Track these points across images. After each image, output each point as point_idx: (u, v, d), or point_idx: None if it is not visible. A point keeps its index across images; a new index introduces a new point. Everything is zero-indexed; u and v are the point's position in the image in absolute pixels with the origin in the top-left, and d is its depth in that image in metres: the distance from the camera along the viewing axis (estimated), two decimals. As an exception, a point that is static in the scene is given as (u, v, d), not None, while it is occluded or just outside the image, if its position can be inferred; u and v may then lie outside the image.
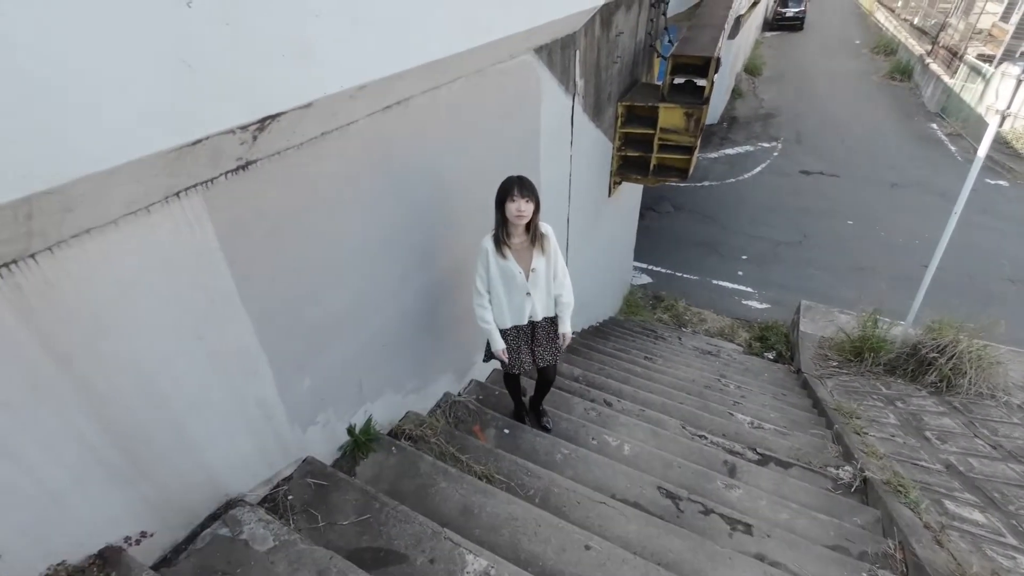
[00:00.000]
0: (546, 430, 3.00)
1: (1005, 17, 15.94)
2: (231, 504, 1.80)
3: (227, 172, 1.49)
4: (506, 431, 2.87)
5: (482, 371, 3.58)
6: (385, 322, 2.43)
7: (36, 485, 1.29)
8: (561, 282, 2.50)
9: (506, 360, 2.54)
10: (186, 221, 1.43)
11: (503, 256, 2.32)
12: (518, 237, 2.34)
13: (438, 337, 2.94)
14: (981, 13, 14.91)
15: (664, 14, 5.67)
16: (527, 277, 2.37)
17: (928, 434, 3.99)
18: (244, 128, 1.32)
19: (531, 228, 2.32)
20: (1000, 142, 11.86)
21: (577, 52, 3.72)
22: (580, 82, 3.92)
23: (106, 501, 1.45)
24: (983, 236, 8.99)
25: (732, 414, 4.03)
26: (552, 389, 3.55)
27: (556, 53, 3.39)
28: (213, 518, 1.77)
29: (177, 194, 1.38)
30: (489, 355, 2.66)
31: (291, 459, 2.10)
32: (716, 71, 4.70)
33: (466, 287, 3.00)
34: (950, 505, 2.88)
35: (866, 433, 3.92)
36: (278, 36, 1.28)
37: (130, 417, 1.45)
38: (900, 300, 5.95)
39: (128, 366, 1.41)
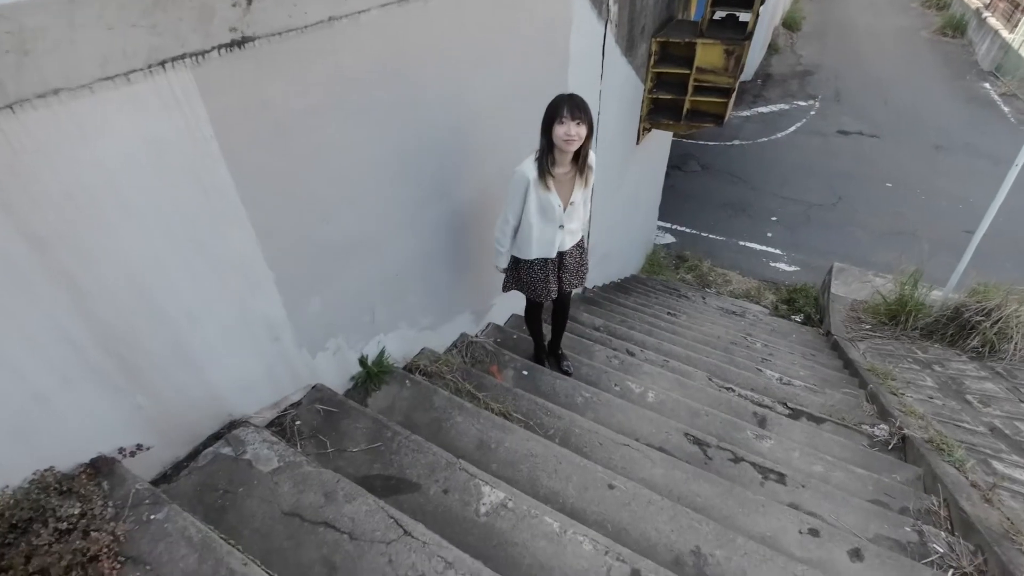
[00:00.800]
0: (567, 373, 2.86)
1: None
2: (235, 424, 1.70)
3: (221, 46, 1.30)
4: (524, 372, 2.74)
5: (501, 314, 3.44)
6: (399, 251, 2.28)
7: (17, 382, 1.18)
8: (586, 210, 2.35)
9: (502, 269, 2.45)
10: (175, 100, 1.26)
11: (545, 186, 2.09)
12: (563, 166, 2.10)
13: (456, 274, 2.78)
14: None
15: (706, -58, 5.20)
16: (564, 209, 2.17)
17: (969, 397, 3.77)
18: (235, -20, 1.13)
19: (580, 156, 2.08)
20: (1060, 102, 11.01)
21: (612, -29, 3.39)
22: (614, 7, 3.60)
23: (97, 407, 1.35)
24: (1036, 201, 8.42)
25: (760, 370, 3.84)
26: (573, 336, 3.41)
27: (590, -32, 3.08)
28: (216, 437, 1.67)
29: (163, 64, 1.21)
30: (516, 284, 2.50)
31: (300, 384, 1.99)
32: (763, 2, 4.31)
33: (487, 222, 2.82)
34: (998, 466, 2.70)
35: (903, 394, 3.71)
36: None
37: (119, 318, 1.32)
38: (940, 266, 5.61)
39: (113, 260, 1.27)
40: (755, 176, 9.91)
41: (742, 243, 8.32)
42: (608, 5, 3.51)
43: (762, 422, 2.85)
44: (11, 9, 0.82)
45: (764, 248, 8.16)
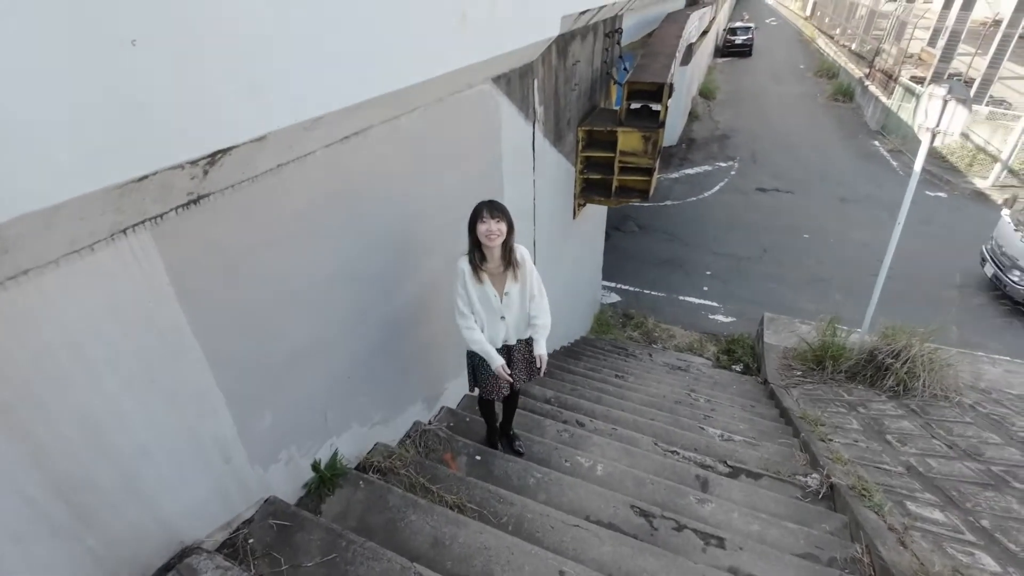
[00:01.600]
0: (519, 454, 2.98)
1: (932, 42, 17.25)
2: (186, 552, 1.71)
3: (178, 207, 1.46)
4: (478, 457, 2.84)
5: (454, 396, 3.54)
6: (349, 354, 2.40)
7: (-34, 545, 1.20)
8: (538, 303, 2.49)
9: (507, 377, 2.46)
10: (133, 257, 1.40)
11: (479, 280, 2.33)
12: (493, 261, 2.34)
13: (405, 366, 2.90)
14: (911, 39, 16.07)
15: (619, 43, 5.92)
16: (501, 300, 2.38)
17: (889, 437, 4.13)
18: (194, 163, 1.31)
19: (506, 251, 2.33)
20: (936, 157, 12.65)
21: (535, 80, 3.83)
22: (540, 109, 4.03)
23: (49, 558, 1.36)
24: (927, 245, 9.50)
25: (703, 428, 4.08)
26: (524, 412, 3.55)
27: (515, 81, 3.48)
28: (167, 568, 1.68)
29: (124, 231, 1.35)
30: (475, 381, 2.64)
31: (252, 500, 2.01)
32: (670, 96, 4.91)
33: (432, 314, 2.99)
34: (912, 506, 2.97)
35: (831, 440, 4.02)
36: (227, 71, 1.28)
37: (75, 467, 1.37)
38: (855, 309, 6.22)
39: (72, 413, 1.34)
40: (688, 233, 10.69)
41: (682, 297, 8.84)
42: (534, 108, 3.93)
43: (704, 485, 3.04)
44: (1, 225, 0.96)
45: (702, 301, 8.71)
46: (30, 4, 0.90)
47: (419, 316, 2.90)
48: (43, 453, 1.29)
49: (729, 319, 8.25)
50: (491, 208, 2.24)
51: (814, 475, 3.43)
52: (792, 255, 9.82)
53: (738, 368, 6.83)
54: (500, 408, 3.03)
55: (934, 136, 4.68)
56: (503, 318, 2.43)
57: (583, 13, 3.97)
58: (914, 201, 5.21)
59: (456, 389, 3.55)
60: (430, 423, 3.15)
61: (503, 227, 2.25)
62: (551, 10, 3.31)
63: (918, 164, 4.99)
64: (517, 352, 2.57)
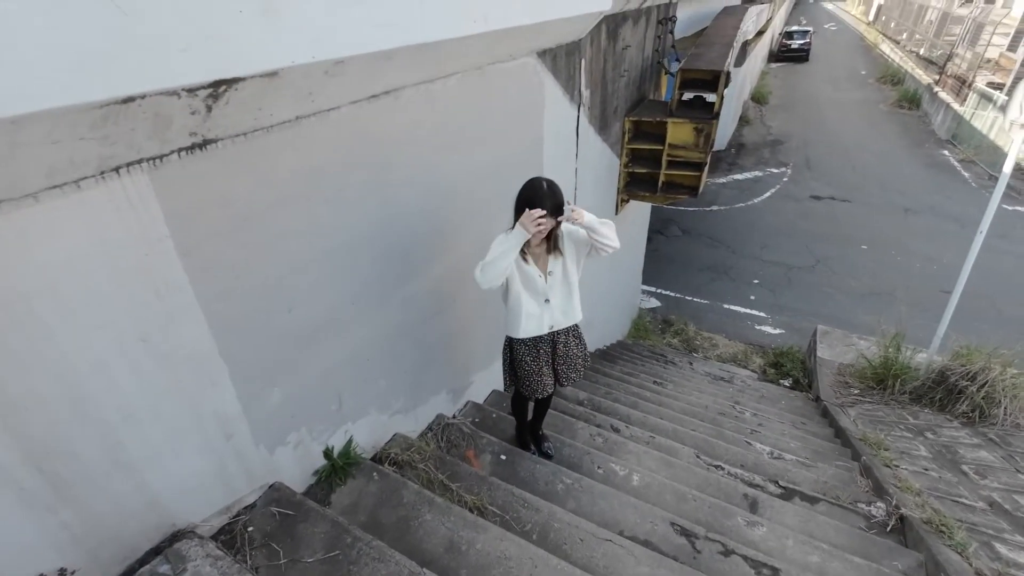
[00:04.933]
0: (547, 457, 2.74)
1: (1012, 47, 15.98)
2: (178, 536, 1.56)
3: (180, 149, 1.31)
4: (503, 457, 2.61)
5: (481, 391, 3.34)
6: (369, 334, 2.22)
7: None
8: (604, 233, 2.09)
9: (540, 218, 1.90)
10: (128, 202, 1.25)
11: (524, 260, 2.13)
12: (535, 240, 2.11)
13: (431, 353, 2.71)
14: (988, 44, 14.91)
15: (671, 32, 5.61)
16: (546, 280, 2.17)
17: (965, 468, 3.66)
18: (192, 92, 1.15)
19: (551, 238, 2.12)
20: (1018, 168, 11.64)
21: (583, 60, 3.59)
22: (586, 92, 3.79)
23: (16, 530, 1.22)
24: (1004, 262, 8.69)
25: (750, 443, 3.72)
26: (555, 412, 3.30)
27: (560, 59, 3.26)
28: (156, 552, 1.53)
29: (116, 169, 1.20)
30: (513, 378, 2.41)
31: (256, 484, 1.86)
32: (726, 85, 4.58)
33: (459, 301, 2.80)
34: (1002, 549, 2.56)
35: (897, 466, 3.59)
36: (233, -15, 1.12)
37: (50, 429, 1.23)
38: (920, 326, 5.66)
39: (50, 367, 1.20)
40: (735, 240, 10.16)
41: (726, 306, 8.37)
42: (580, 91, 3.69)
43: (753, 505, 2.71)
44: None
45: (748, 311, 8.22)
46: None
47: (445, 301, 2.71)
48: (12, 411, 1.15)
49: (777, 331, 7.74)
50: (552, 201, 1.94)
51: (879, 504, 3.04)
52: (848, 266, 9.17)
53: (787, 383, 6.36)
54: (529, 407, 2.80)
55: (1030, 132, 4.16)
56: (547, 300, 2.21)
57: (637, -9, 3.72)
58: (998, 217, 4.67)
59: (483, 383, 3.34)
60: (454, 417, 2.95)
61: (554, 221, 2.00)
62: (604, -20, 3.08)
63: (1008, 165, 4.46)
64: (563, 346, 2.34)
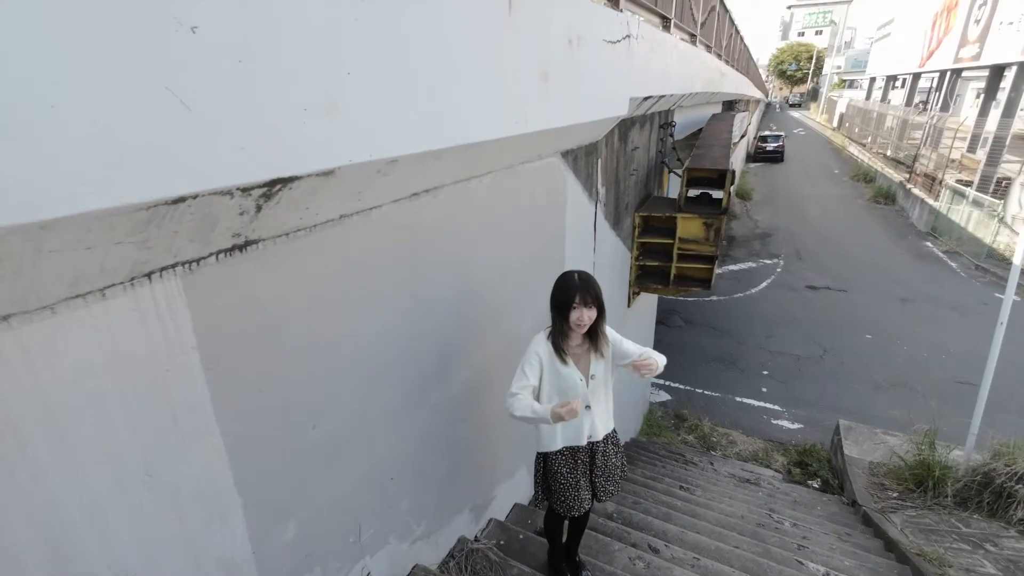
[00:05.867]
0: (587, 589, 2.37)
1: (971, 149, 17.27)
2: None
3: (219, 251, 1.18)
4: (538, 592, 2.25)
5: (501, 507, 2.99)
6: (394, 447, 1.97)
7: None
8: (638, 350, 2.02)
9: (574, 409, 1.73)
10: (155, 310, 1.09)
11: (563, 362, 1.94)
12: (576, 340, 1.98)
13: (456, 465, 2.44)
14: (951, 148, 16.07)
15: (671, 135, 5.92)
16: (588, 384, 1.97)
17: (1045, 589, 3.26)
18: (246, 191, 1.03)
19: (593, 334, 1.97)
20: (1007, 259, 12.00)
21: (599, 160, 3.69)
22: (602, 189, 3.85)
23: None
24: (1018, 351, 8.61)
25: (801, 562, 3.32)
26: (586, 530, 2.94)
27: (580, 159, 3.33)
28: None
29: (148, 275, 1.05)
30: (547, 493, 2.14)
31: (257, 647, 1.51)
32: (732, 183, 4.72)
33: (484, 403, 2.58)
34: None
35: (970, 589, 3.19)
36: (302, 84, 1.05)
37: (19, 597, 0.96)
38: (943, 418, 5.40)
39: (34, 516, 0.96)
40: (738, 330, 10.09)
41: (738, 399, 8.08)
42: (597, 188, 3.75)
43: (832, 649, 2.32)
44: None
45: (762, 404, 7.92)
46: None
47: (472, 405, 2.49)
48: (-23, 581, 0.90)
49: (795, 425, 7.40)
50: (585, 292, 1.86)
51: (966, 640, 2.63)
52: (855, 356, 9.03)
53: (816, 484, 5.94)
54: (566, 525, 2.47)
55: (1037, 227, 4.26)
56: (588, 407, 2.00)
57: (647, 99, 3.91)
58: (988, 304, 4.65)
59: (505, 496, 3.01)
60: (476, 539, 2.59)
61: (593, 312, 1.90)
62: (621, 89, 3.22)
63: (1018, 258, 4.51)
64: (602, 456, 2.09)
